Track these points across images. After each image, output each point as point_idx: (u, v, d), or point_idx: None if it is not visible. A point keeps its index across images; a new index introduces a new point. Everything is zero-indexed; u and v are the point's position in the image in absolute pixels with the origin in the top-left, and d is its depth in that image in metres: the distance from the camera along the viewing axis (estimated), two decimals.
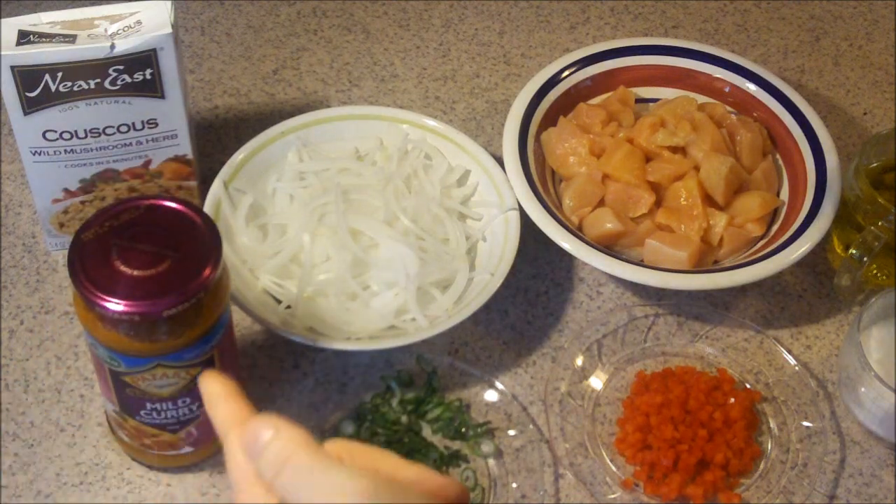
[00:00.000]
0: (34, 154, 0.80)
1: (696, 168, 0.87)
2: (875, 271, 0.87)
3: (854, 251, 0.82)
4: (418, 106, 1.00)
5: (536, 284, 0.88)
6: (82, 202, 0.84)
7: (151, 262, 0.65)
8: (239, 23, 1.07)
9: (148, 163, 0.83)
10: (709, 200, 0.86)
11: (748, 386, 0.82)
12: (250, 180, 0.87)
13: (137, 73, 0.77)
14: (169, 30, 0.76)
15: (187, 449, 0.75)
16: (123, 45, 0.75)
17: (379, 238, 0.83)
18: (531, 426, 0.79)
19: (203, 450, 0.76)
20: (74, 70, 0.75)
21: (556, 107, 0.91)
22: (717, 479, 0.76)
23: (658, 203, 0.86)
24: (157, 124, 0.80)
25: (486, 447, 0.78)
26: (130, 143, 0.81)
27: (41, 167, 0.81)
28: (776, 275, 0.83)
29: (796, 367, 0.83)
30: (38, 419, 0.79)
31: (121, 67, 0.76)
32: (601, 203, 0.87)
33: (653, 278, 0.80)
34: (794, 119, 0.91)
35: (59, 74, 0.75)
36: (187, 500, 0.76)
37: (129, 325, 0.65)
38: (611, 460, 0.78)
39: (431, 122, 0.90)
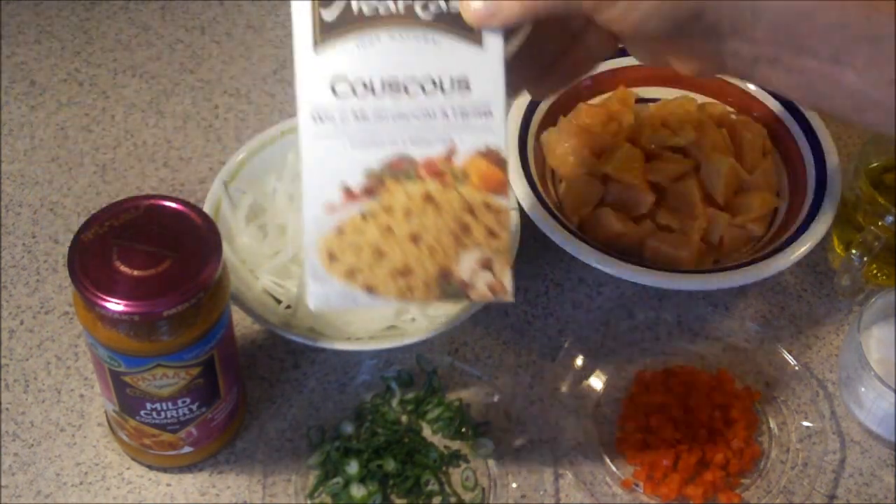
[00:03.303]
0: (316, 121, 0.60)
1: (696, 168, 0.87)
2: (875, 271, 0.87)
3: (854, 251, 0.82)
4: None
5: (536, 284, 0.88)
6: (363, 216, 0.61)
7: (151, 262, 0.65)
8: (239, 23, 1.07)
9: (452, 152, 0.61)
10: (709, 200, 0.86)
11: (748, 386, 0.82)
12: (250, 180, 0.87)
13: None
14: None
15: (187, 449, 0.75)
16: None
17: None
18: (531, 426, 0.79)
19: (203, 450, 0.76)
20: None
21: (556, 107, 0.91)
22: (717, 479, 0.76)
23: (658, 203, 0.86)
24: (468, 88, 0.60)
25: (486, 447, 0.78)
26: (434, 115, 0.61)
27: (322, 145, 0.60)
28: (776, 275, 0.83)
29: (796, 367, 0.83)
30: (38, 419, 0.79)
31: None
32: (601, 203, 0.87)
33: (653, 278, 0.80)
34: (794, 119, 0.91)
35: None
36: (187, 500, 0.76)
37: (129, 325, 0.65)
38: (611, 460, 0.78)
39: None
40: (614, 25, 0.59)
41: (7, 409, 0.79)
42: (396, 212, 0.61)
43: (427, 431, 0.79)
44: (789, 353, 0.84)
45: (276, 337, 0.82)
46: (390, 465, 0.75)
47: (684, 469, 0.76)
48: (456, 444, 0.78)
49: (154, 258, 0.65)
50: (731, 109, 0.93)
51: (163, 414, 0.71)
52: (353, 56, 0.59)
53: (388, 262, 0.61)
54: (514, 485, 0.76)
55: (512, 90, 0.62)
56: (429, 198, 0.61)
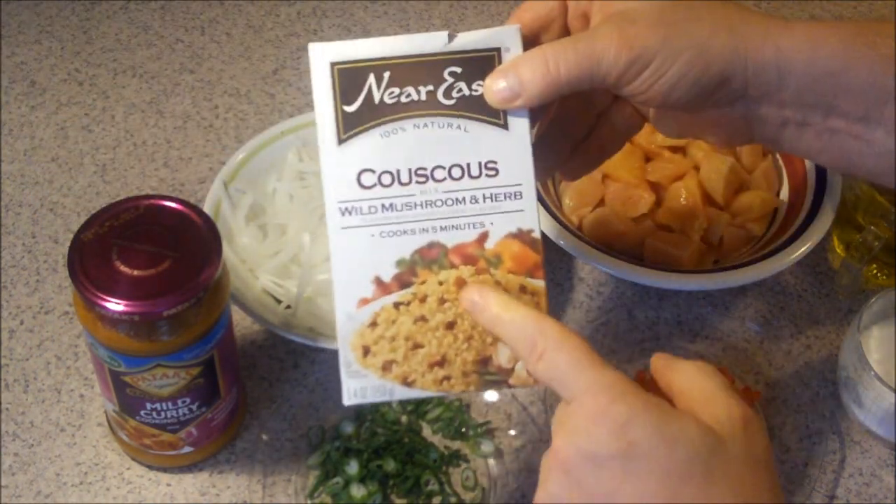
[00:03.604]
0: (344, 214, 0.59)
1: (696, 168, 0.87)
2: (875, 271, 0.87)
3: (854, 251, 0.82)
4: None
5: None
6: (396, 305, 0.59)
7: (151, 262, 0.65)
8: (239, 23, 1.07)
9: (484, 237, 0.60)
10: (709, 200, 0.86)
11: (748, 386, 0.82)
12: (250, 180, 0.87)
13: (477, 81, 0.59)
14: (518, 25, 0.60)
15: (187, 449, 0.75)
16: (464, 38, 0.59)
17: None
18: (531, 426, 0.79)
19: (203, 450, 0.76)
20: (404, 70, 0.59)
21: None
22: None
23: (658, 203, 0.86)
24: (496, 171, 0.60)
25: (486, 447, 0.78)
26: (463, 200, 0.60)
27: (350, 238, 0.59)
28: (776, 275, 0.83)
29: (796, 367, 0.83)
30: (38, 419, 0.79)
31: (458, 71, 0.59)
32: (601, 203, 0.87)
33: (653, 278, 0.80)
34: None
35: (386, 76, 0.59)
36: (187, 500, 0.76)
37: (129, 325, 0.65)
38: None
39: None
40: (640, 97, 0.58)
41: (7, 409, 0.79)
42: (430, 301, 0.60)
43: (427, 431, 0.79)
44: (789, 353, 0.84)
45: (276, 337, 0.82)
46: (390, 465, 0.75)
47: None
48: (456, 444, 0.78)
49: (154, 258, 0.65)
50: None
51: (163, 414, 0.71)
52: (378, 147, 0.59)
53: (424, 352, 0.60)
54: (514, 485, 0.76)
55: (541, 172, 0.61)
56: (462, 284, 0.60)
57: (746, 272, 0.81)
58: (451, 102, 0.59)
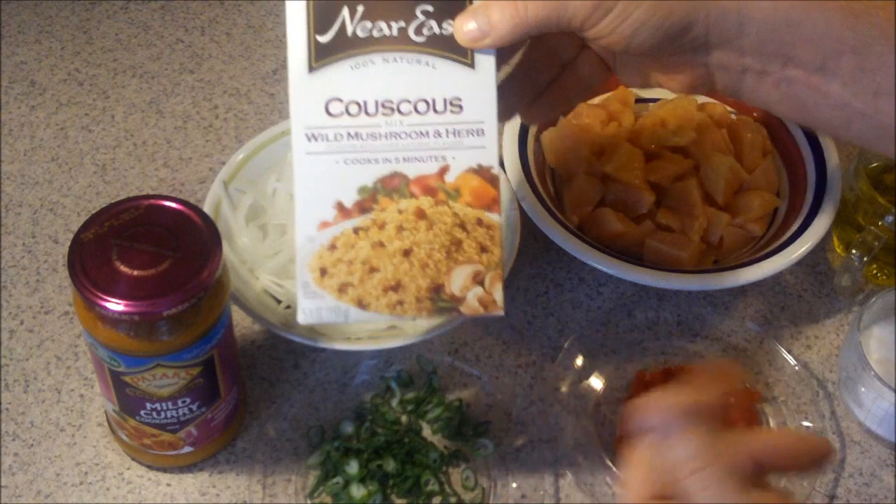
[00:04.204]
0: (310, 140, 0.62)
1: (696, 168, 0.87)
2: (875, 271, 0.87)
3: (854, 251, 0.82)
4: None
5: (536, 284, 0.88)
6: (355, 230, 0.62)
7: (151, 262, 0.65)
8: (239, 23, 1.07)
9: (445, 170, 0.63)
10: (709, 200, 0.86)
11: (748, 386, 0.82)
12: (250, 180, 0.87)
13: (447, 20, 0.61)
14: None
15: (187, 449, 0.75)
16: None
17: None
18: (531, 426, 0.79)
19: (203, 450, 0.76)
20: (378, 6, 0.61)
21: None
22: None
23: (658, 203, 0.86)
24: (461, 108, 0.62)
25: (486, 447, 0.78)
26: (427, 133, 0.63)
27: (316, 164, 0.62)
28: (776, 275, 0.83)
29: (796, 367, 0.83)
30: (38, 419, 0.79)
31: (430, 9, 0.61)
32: (601, 203, 0.87)
33: (653, 278, 0.80)
34: None
35: (360, 10, 0.61)
36: (187, 500, 0.76)
37: (129, 325, 0.65)
38: (611, 460, 0.78)
39: None
40: (603, 41, 0.60)
41: (7, 409, 0.79)
42: (389, 227, 0.62)
43: (427, 431, 0.79)
44: (789, 353, 0.84)
45: (276, 337, 0.82)
46: (390, 465, 0.75)
47: None
48: (456, 444, 0.78)
49: (154, 258, 0.65)
50: (731, 109, 0.93)
51: (163, 414, 0.71)
52: (348, 78, 0.61)
53: (379, 277, 0.62)
54: (514, 485, 0.76)
55: (504, 114, 0.64)
56: (421, 214, 0.63)
57: (746, 272, 0.81)
58: (422, 40, 0.61)
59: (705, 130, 0.88)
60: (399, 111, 0.62)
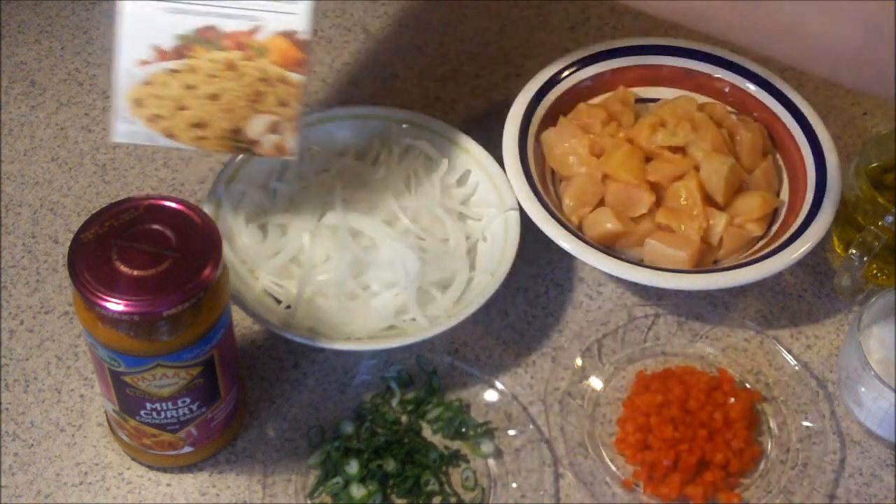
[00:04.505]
0: None
1: (696, 168, 0.87)
2: (875, 271, 0.87)
3: (854, 251, 0.82)
4: (418, 106, 1.00)
5: (536, 284, 0.88)
6: (171, 71, 0.72)
7: (151, 262, 0.65)
8: None
9: (256, 30, 0.72)
10: (709, 200, 0.86)
11: (748, 386, 0.82)
12: (250, 180, 0.87)
13: None
14: None
15: (187, 449, 0.75)
16: None
17: (379, 238, 0.83)
18: (531, 426, 0.79)
19: (203, 450, 0.76)
20: None
21: (556, 107, 0.91)
22: (717, 479, 0.76)
23: (658, 203, 0.86)
24: None
25: (486, 447, 0.78)
26: None
27: (140, 8, 0.71)
28: (776, 275, 0.83)
29: (796, 367, 0.83)
30: (38, 419, 0.79)
31: None
32: (601, 203, 0.87)
33: (653, 278, 0.80)
34: (794, 119, 0.91)
35: None
36: (187, 500, 0.76)
37: (129, 325, 0.65)
38: (611, 460, 0.78)
39: (431, 122, 0.90)
40: None
41: (7, 409, 0.79)
42: (200, 73, 0.72)
43: (427, 431, 0.79)
44: (789, 353, 0.84)
45: (276, 337, 0.82)
46: (390, 465, 0.75)
47: (684, 469, 0.76)
48: (456, 444, 0.78)
49: (154, 258, 0.65)
50: (731, 109, 0.93)
51: (163, 414, 0.71)
52: None
53: (187, 114, 0.73)
54: (514, 485, 0.76)
55: None
56: (231, 65, 0.72)
57: (746, 272, 0.81)
58: None
59: (705, 130, 0.88)
60: None
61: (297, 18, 0.71)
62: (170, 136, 0.74)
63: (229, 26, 0.72)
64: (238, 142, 0.74)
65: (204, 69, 0.72)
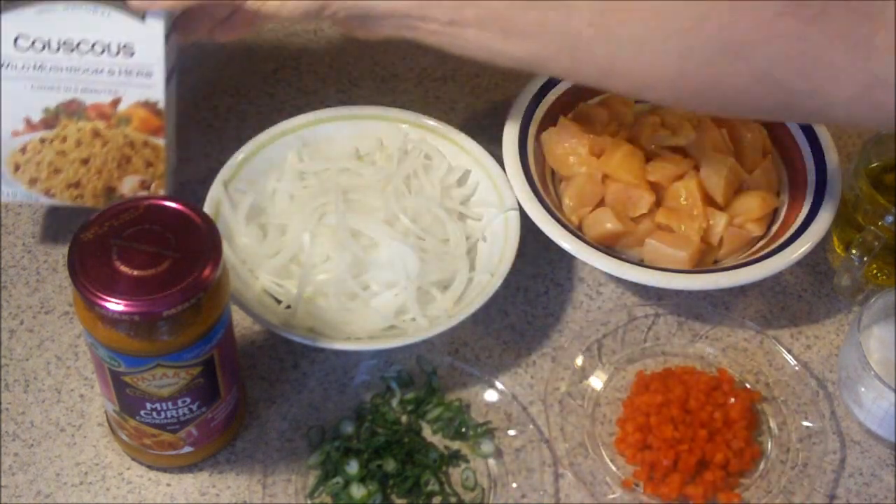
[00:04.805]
0: (4, 67, 0.79)
1: (696, 168, 0.87)
2: (875, 271, 0.87)
3: (854, 251, 0.82)
4: (418, 106, 1.00)
5: (536, 284, 0.88)
6: (42, 140, 0.81)
7: (151, 262, 0.65)
8: None
9: (117, 102, 0.80)
10: (709, 200, 0.86)
11: (748, 386, 0.82)
12: (250, 180, 0.87)
13: None
14: None
15: (187, 449, 0.75)
16: None
17: (379, 238, 0.83)
18: (531, 426, 0.79)
19: (203, 450, 0.76)
20: None
21: (556, 107, 0.91)
22: (717, 479, 0.76)
23: (658, 203, 0.86)
24: (132, 53, 0.79)
25: (486, 447, 0.78)
26: (102, 70, 0.79)
27: (10, 86, 0.79)
28: (776, 275, 0.83)
29: (796, 367, 0.83)
30: (38, 419, 0.79)
31: None
32: (601, 203, 0.87)
33: (653, 278, 0.80)
34: None
35: None
36: (187, 500, 0.76)
37: (129, 325, 0.65)
38: (611, 460, 0.78)
39: (431, 122, 0.90)
40: (255, 8, 0.78)
41: (7, 409, 0.79)
42: (69, 141, 0.81)
43: (427, 431, 0.79)
44: (789, 353, 0.84)
45: (276, 337, 0.82)
46: (390, 465, 0.75)
47: (684, 469, 0.76)
48: (456, 444, 0.78)
49: (154, 258, 0.65)
50: None
51: (163, 414, 0.71)
52: (34, 20, 0.78)
53: (63, 176, 0.82)
54: (514, 485, 0.76)
55: (188, 37, 0.82)
56: (97, 133, 0.81)
57: (746, 272, 0.81)
58: None
59: (705, 130, 0.88)
60: (79, 50, 0.78)
61: (153, 90, 0.80)
62: (50, 195, 0.82)
63: (92, 99, 0.80)
64: (112, 198, 0.82)
65: (72, 137, 0.81)
